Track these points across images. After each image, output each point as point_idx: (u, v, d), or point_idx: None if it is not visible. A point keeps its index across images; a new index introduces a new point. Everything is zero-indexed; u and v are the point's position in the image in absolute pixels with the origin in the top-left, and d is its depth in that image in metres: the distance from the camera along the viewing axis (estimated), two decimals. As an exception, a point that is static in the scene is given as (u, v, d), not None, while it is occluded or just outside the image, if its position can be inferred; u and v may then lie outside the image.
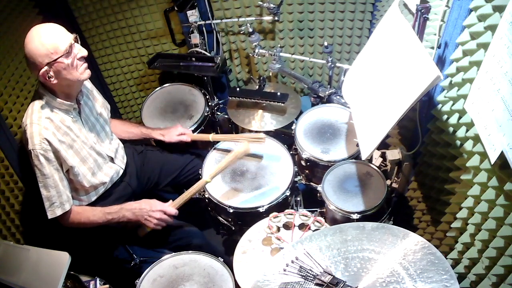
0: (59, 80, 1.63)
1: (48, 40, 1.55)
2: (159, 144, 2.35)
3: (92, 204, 1.90)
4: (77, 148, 1.75)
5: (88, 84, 1.93)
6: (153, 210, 1.80)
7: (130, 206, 1.83)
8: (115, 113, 3.04)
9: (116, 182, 1.98)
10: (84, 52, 1.66)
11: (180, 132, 2.18)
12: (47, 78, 1.60)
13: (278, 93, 2.40)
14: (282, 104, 2.37)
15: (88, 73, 1.71)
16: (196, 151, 2.37)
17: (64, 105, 1.71)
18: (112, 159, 1.94)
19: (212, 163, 2.13)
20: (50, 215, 1.72)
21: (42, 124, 1.64)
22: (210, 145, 2.54)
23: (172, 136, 2.17)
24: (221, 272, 1.71)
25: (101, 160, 1.87)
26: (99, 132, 1.90)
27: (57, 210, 1.72)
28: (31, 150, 1.63)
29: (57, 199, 1.71)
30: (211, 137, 2.16)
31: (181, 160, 2.23)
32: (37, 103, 1.67)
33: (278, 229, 1.77)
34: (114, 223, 1.82)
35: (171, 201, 1.87)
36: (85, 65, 1.69)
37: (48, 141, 1.63)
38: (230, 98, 2.49)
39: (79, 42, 1.67)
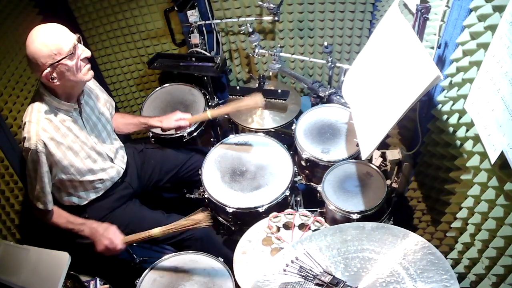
0: (62, 81, 1.61)
1: (51, 41, 1.53)
2: (158, 142, 2.36)
3: (94, 203, 1.90)
4: (76, 150, 1.75)
5: (91, 83, 1.90)
6: (104, 236, 1.78)
7: (91, 224, 1.82)
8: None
9: (117, 183, 1.97)
10: (87, 53, 1.65)
11: (178, 117, 2.10)
12: (50, 80, 1.58)
13: (279, 90, 2.40)
14: (283, 102, 2.37)
15: (91, 74, 1.69)
16: (197, 147, 2.37)
17: (64, 106, 1.70)
18: (111, 159, 1.94)
19: (212, 163, 2.13)
20: (34, 202, 1.74)
21: (40, 124, 1.63)
22: (209, 144, 2.55)
23: (170, 122, 2.09)
24: (221, 272, 1.71)
25: (101, 160, 1.87)
26: (100, 132, 1.90)
27: (40, 205, 1.74)
28: (26, 148, 1.63)
29: (43, 197, 1.72)
30: (209, 114, 2.10)
31: (181, 156, 2.23)
32: (37, 103, 1.66)
33: (278, 229, 1.77)
34: (74, 233, 1.83)
35: (122, 236, 1.82)
36: (88, 66, 1.68)
37: (44, 143, 1.63)
38: (230, 96, 2.49)
39: (82, 42, 1.65)
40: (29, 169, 1.68)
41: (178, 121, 2.09)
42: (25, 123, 1.64)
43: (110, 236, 1.79)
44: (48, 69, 1.55)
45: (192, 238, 1.95)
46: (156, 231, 1.78)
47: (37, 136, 1.62)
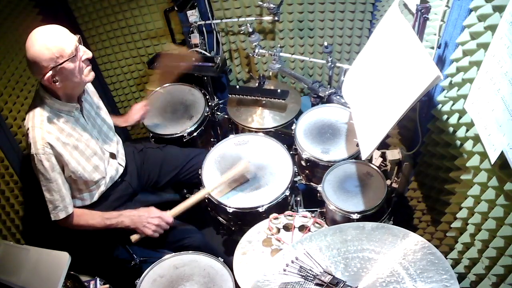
0: (64, 84, 1.60)
1: (53, 43, 1.51)
2: (158, 142, 2.36)
3: (94, 204, 1.90)
4: (82, 148, 1.75)
5: None
6: (152, 217, 1.80)
7: (129, 213, 1.83)
8: (115, 113, 3.04)
9: (116, 182, 1.97)
10: (89, 54, 1.64)
11: (136, 108, 2.20)
12: (52, 82, 1.57)
13: (279, 90, 2.40)
14: (283, 101, 2.37)
15: (92, 75, 1.69)
16: (196, 149, 2.37)
17: (66, 106, 1.69)
18: (113, 156, 1.94)
19: (211, 163, 2.13)
20: (53, 218, 1.73)
21: (44, 128, 1.62)
22: (209, 144, 2.56)
23: (133, 117, 2.19)
24: (221, 272, 1.71)
25: (104, 157, 1.87)
26: (101, 126, 1.90)
27: (61, 214, 1.72)
28: (34, 155, 1.61)
29: (61, 203, 1.71)
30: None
31: (181, 158, 2.23)
32: (39, 106, 1.64)
33: (278, 230, 1.77)
34: (112, 228, 1.82)
35: (168, 210, 1.88)
36: (90, 67, 1.67)
37: (51, 145, 1.62)
38: (230, 96, 2.49)
39: (82, 43, 1.64)
40: (42, 178, 1.66)
41: (138, 110, 2.20)
42: (28, 129, 1.63)
43: (158, 214, 1.82)
44: (50, 72, 1.54)
45: (190, 246, 1.95)
46: (205, 191, 1.93)
47: (43, 139, 1.61)
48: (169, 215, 1.85)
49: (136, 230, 1.82)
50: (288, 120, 2.35)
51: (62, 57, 1.53)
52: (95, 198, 1.89)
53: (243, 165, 1.97)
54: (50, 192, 1.68)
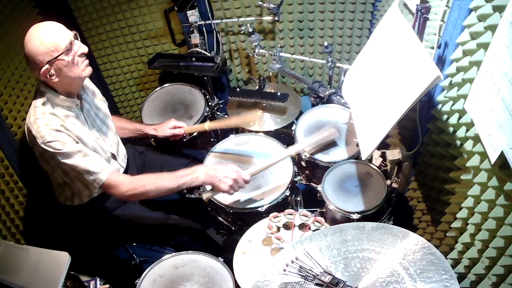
0: (60, 78, 1.61)
1: (48, 38, 1.54)
2: (159, 144, 2.35)
3: (93, 203, 1.89)
4: (85, 141, 1.74)
5: (86, 81, 1.90)
6: (230, 171, 1.76)
7: (204, 167, 1.79)
8: (115, 113, 3.04)
9: (116, 183, 1.97)
10: (84, 49, 1.65)
11: (173, 125, 2.16)
12: (48, 77, 1.59)
13: (278, 93, 2.40)
14: (282, 104, 2.37)
15: (89, 69, 1.69)
16: (197, 151, 2.37)
17: (67, 102, 1.69)
18: (114, 156, 1.93)
19: (211, 162, 2.13)
20: (97, 184, 1.68)
21: (47, 117, 1.61)
22: (210, 144, 2.55)
23: (165, 130, 2.15)
24: (221, 272, 1.71)
25: (104, 156, 1.87)
26: (100, 127, 1.89)
27: (102, 175, 1.68)
28: (42, 145, 1.58)
29: (107, 163, 1.69)
30: (206, 126, 2.14)
31: (182, 160, 2.23)
32: (39, 101, 1.64)
33: (278, 229, 1.77)
34: (183, 189, 1.77)
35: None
36: (86, 61, 1.68)
37: (57, 130, 1.60)
38: (230, 98, 2.49)
39: (79, 39, 1.66)
40: (61, 159, 1.60)
41: (173, 129, 2.15)
42: (31, 124, 1.61)
43: (236, 169, 1.78)
44: (46, 66, 1.56)
45: (191, 240, 1.94)
46: (295, 148, 1.98)
47: (48, 126, 1.59)
48: (246, 173, 1.80)
49: (212, 185, 1.78)
50: (288, 123, 2.35)
51: (57, 51, 1.56)
52: (94, 195, 1.88)
53: (328, 131, 1.99)
54: (82, 163, 1.63)
